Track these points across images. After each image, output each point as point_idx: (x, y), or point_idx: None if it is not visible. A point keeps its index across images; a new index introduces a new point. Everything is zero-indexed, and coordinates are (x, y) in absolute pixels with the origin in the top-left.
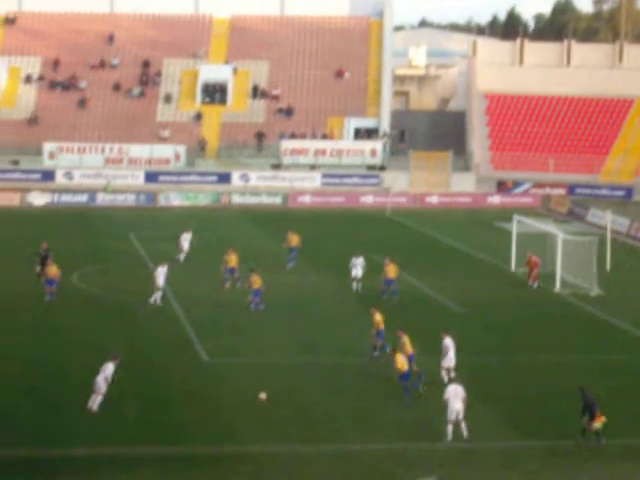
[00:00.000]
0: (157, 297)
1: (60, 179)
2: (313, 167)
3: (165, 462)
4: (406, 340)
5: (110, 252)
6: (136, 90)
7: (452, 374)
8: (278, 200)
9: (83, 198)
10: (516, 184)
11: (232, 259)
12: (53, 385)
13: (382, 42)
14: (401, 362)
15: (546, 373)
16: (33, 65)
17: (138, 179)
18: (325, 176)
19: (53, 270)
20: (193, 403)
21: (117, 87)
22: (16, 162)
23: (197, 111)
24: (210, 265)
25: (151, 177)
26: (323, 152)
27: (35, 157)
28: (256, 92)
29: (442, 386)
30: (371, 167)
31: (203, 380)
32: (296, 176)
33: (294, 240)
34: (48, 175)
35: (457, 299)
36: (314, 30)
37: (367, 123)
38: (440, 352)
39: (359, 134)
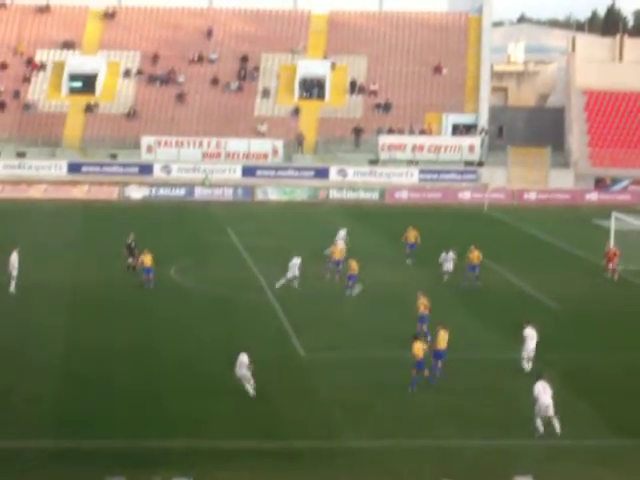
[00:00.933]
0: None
1: (158, 173)
2: (411, 163)
3: (262, 456)
4: (443, 335)
5: (208, 246)
6: (234, 85)
7: (530, 364)
8: (375, 196)
9: (181, 192)
10: (615, 181)
11: (336, 252)
12: (146, 376)
13: (480, 38)
14: (417, 348)
15: None
16: (132, 60)
17: (235, 173)
18: (423, 172)
19: (148, 259)
20: (290, 397)
21: (215, 82)
22: (114, 156)
23: (295, 106)
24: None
25: (249, 171)
26: (421, 148)
27: (133, 151)
28: (354, 87)
29: (525, 377)
30: (469, 163)
31: (300, 374)
32: (394, 172)
33: (412, 236)
34: (146, 169)
35: (554, 295)
36: (412, 26)
37: (465, 119)
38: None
39: (457, 130)
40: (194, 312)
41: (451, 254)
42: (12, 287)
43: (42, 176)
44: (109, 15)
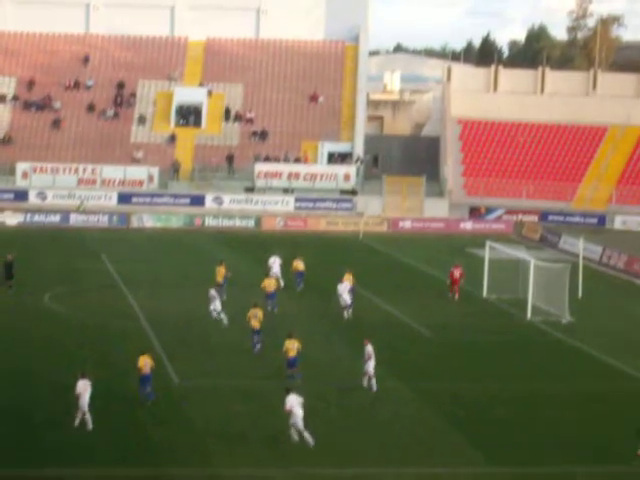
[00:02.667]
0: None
1: (33, 199)
2: (286, 191)
3: None
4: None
5: (82, 273)
6: (110, 111)
7: (372, 381)
8: (251, 223)
9: (56, 218)
10: (489, 210)
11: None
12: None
13: (357, 67)
14: (288, 348)
15: (515, 400)
16: (7, 85)
17: (111, 200)
18: (298, 200)
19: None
20: (164, 424)
21: (91, 108)
22: None
23: (171, 133)
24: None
25: (124, 198)
26: (297, 176)
27: (8, 177)
28: (229, 115)
29: (401, 403)
30: (345, 191)
31: (174, 401)
32: (269, 199)
33: (299, 265)
34: (21, 195)
35: (427, 324)
36: (289, 54)
37: (341, 147)
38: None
39: (333, 158)
40: (68, 339)
41: (346, 284)
42: None
43: None
44: None
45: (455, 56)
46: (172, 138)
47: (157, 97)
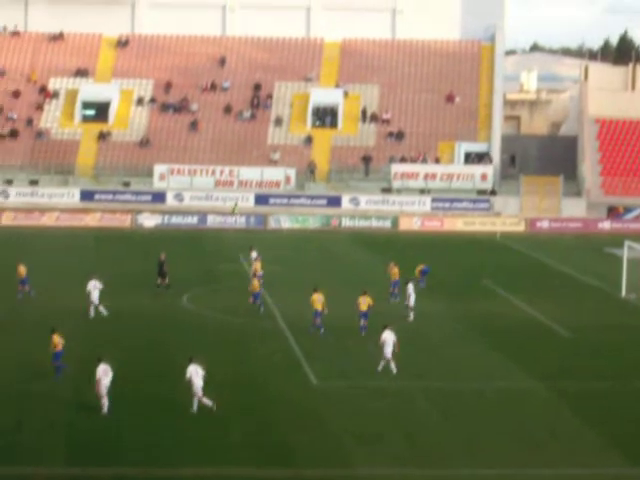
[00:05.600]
0: None
1: (171, 201)
2: (423, 191)
3: None
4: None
5: (220, 274)
6: (247, 113)
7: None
8: (387, 224)
9: (193, 220)
10: (627, 210)
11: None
12: (159, 406)
13: (493, 66)
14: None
15: None
16: (145, 87)
17: (248, 201)
18: (435, 200)
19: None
20: (302, 425)
21: (228, 110)
22: (127, 184)
23: (307, 134)
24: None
25: (261, 199)
26: (433, 176)
27: (146, 179)
28: (366, 116)
29: (536, 403)
30: (481, 192)
31: (312, 403)
32: (406, 200)
33: (395, 273)
34: (159, 197)
35: (565, 323)
36: (425, 54)
37: (477, 147)
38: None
39: (469, 158)
40: (207, 340)
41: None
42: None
43: (54, 204)
44: (122, 43)
45: (592, 55)
46: (309, 139)
47: (293, 98)
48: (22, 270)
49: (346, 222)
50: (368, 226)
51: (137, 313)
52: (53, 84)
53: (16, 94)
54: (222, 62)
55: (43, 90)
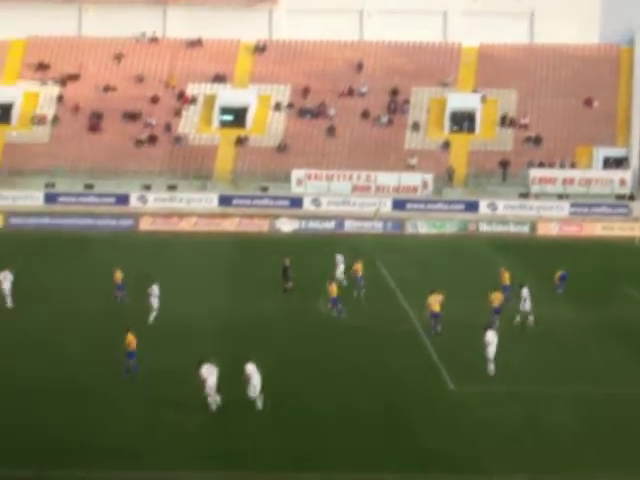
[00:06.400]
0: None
1: (308, 206)
2: (561, 196)
3: None
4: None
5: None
6: (384, 118)
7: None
8: (525, 229)
9: (330, 225)
10: None
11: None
12: (293, 410)
13: (632, 70)
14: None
15: None
16: (283, 93)
17: (385, 206)
18: (574, 205)
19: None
20: (439, 430)
21: (365, 115)
22: (265, 189)
23: (445, 139)
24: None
25: (399, 204)
26: (571, 181)
27: (283, 184)
28: (504, 121)
29: None
30: (620, 197)
31: (450, 407)
32: (544, 205)
33: (506, 278)
34: (296, 202)
35: None
36: (563, 58)
37: (616, 152)
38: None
39: (608, 163)
40: (343, 344)
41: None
42: (151, 319)
43: (193, 209)
44: (260, 49)
45: None
46: (446, 144)
47: (431, 103)
48: (118, 276)
49: (483, 227)
50: (506, 231)
51: (275, 317)
52: (191, 90)
53: (154, 100)
54: (359, 67)
55: (181, 96)
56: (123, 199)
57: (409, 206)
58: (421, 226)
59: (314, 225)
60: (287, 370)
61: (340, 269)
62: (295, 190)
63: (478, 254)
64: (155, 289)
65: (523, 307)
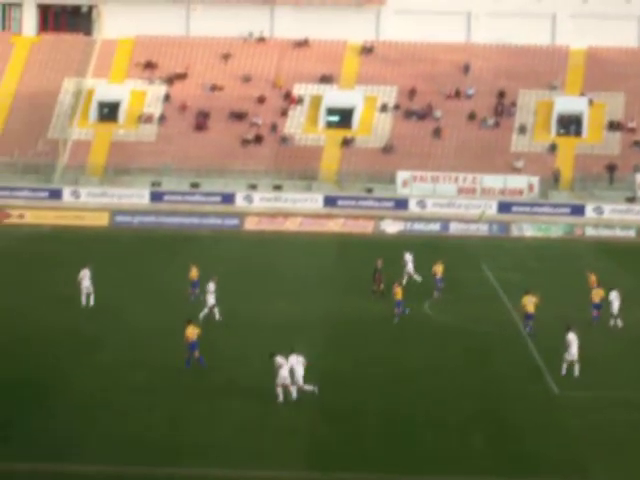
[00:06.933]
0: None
1: (413, 207)
2: None
3: None
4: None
5: (462, 281)
6: (491, 120)
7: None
8: (632, 233)
9: (436, 227)
10: None
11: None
12: (395, 408)
13: None
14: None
15: None
16: (389, 94)
17: (491, 209)
18: None
19: (398, 293)
20: (542, 434)
21: (472, 117)
22: (370, 190)
23: (551, 142)
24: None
25: (504, 207)
26: None
27: (388, 185)
28: (612, 124)
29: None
30: None
31: (554, 412)
32: None
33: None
34: (401, 203)
35: None
36: None
37: None
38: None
39: None
40: (448, 347)
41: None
42: (201, 316)
43: (298, 209)
44: (367, 50)
45: None
46: (552, 147)
47: (537, 106)
48: (194, 273)
49: (589, 231)
50: (612, 235)
51: (379, 319)
52: (298, 90)
53: (261, 100)
54: (466, 69)
55: (288, 96)
56: (229, 198)
57: (515, 209)
58: (527, 229)
59: (419, 227)
60: (384, 372)
61: (409, 267)
62: (400, 191)
63: (582, 258)
64: (211, 286)
65: (612, 310)
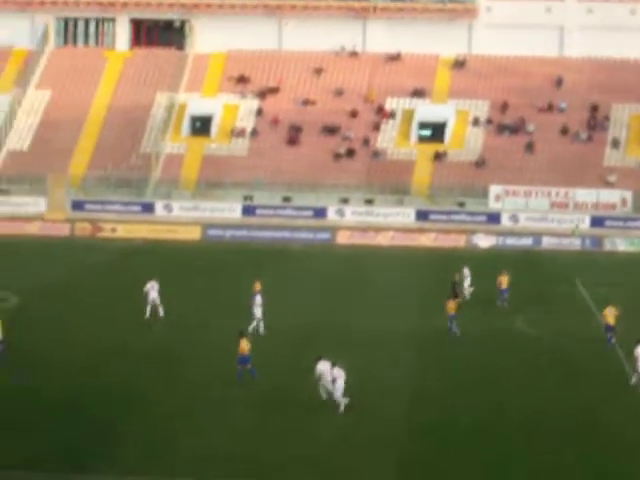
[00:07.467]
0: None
1: (506, 222)
2: None
3: None
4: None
5: (555, 295)
6: (583, 134)
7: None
8: None
9: (528, 241)
10: None
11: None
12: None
13: None
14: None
15: None
16: (481, 108)
17: (584, 223)
18: None
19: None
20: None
21: (564, 131)
22: (462, 204)
23: None
24: None
25: (597, 222)
26: None
27: (481, 199)
28: None
29: None
30: None
31: None
32: None
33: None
34: (493, 217)
35: None
36: None
37: None
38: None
39: None
40: (540, 363)
41: None
42: (250, 328)
43: (390, 223)
44: (459, 63)
45: None
46: None
47: (631, 120)
48: (257, 286)
49: None
50: None
51: (470, 333)
52: (390, 104)
53: (353, 113)
54: (559, 82)
55: (380, 110)
56: (321, 212)
57: (608, 223)
58: (620, 243)
59: (511, 241)
60: (477, 384)
61: (467, 283)
62: (493, 206)
63: None
64: (258, 299)
65: None
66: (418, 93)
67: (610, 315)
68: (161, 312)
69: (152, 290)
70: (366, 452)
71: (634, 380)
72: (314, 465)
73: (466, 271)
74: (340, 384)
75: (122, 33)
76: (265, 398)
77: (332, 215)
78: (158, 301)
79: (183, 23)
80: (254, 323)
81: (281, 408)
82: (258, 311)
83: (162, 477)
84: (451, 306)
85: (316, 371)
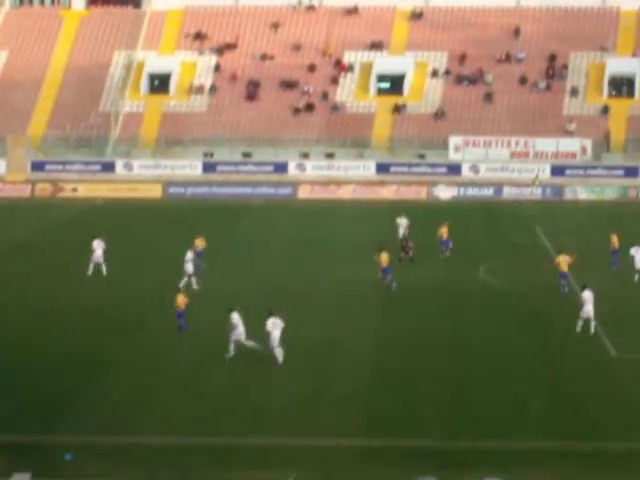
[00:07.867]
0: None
1: (466, 172)
2: None
3: (577, 458)
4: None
5: (516, 246)
6: (542, 84)
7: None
8: None
9: (489, 192)
10: None
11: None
12: (451, 376)
13: None
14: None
15: None
16: (439, 59)
17: (544, 173)
18: None
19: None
20: (603, 398)
21: (523, 81)
22: (422, 156)
23: (603, 104)
24: None
25: (557, 170)
26: None
27: (441, 151)
28: None
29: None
30: None
31: (612, 375)
32: None
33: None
34: (454, 168)
35: None
36: None
37: None
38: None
39: None
40: (504, 312)
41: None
42: (182, 284)
43: (350, 177)
44: (417, 15)
45: None
46: (605, 109)
47: (589, 68)
48: (199, 242)
49: None
50: None
51: (433, 284)
52: (348, 58)
53: (311, 68)
54: (516, 33)
55: (338, 63)
56: (281, 167)
57: (568, 172)
58: (580, 192)
59: (472, 192)
60: (439, 338)
61: (401, 233)
62: (453, 157)
63: (636, 219)
64: (189, 254)
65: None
66: (376, 46)
67: (563, 262)
68: (104, 271)
69: (98, 248)
70: (336, 405)
71: (579, 325)
72: (284, 418)
73: (403, 220)
74: (276, 335)
75: None
76: (233, 359)
77: (293, 170)
78: (102, 259)
79: None
80: (185, 279)
81: (248, 364)
82: (189, 267)
83: (136, 433)
84: (384, 258)
85: (231, 320)
